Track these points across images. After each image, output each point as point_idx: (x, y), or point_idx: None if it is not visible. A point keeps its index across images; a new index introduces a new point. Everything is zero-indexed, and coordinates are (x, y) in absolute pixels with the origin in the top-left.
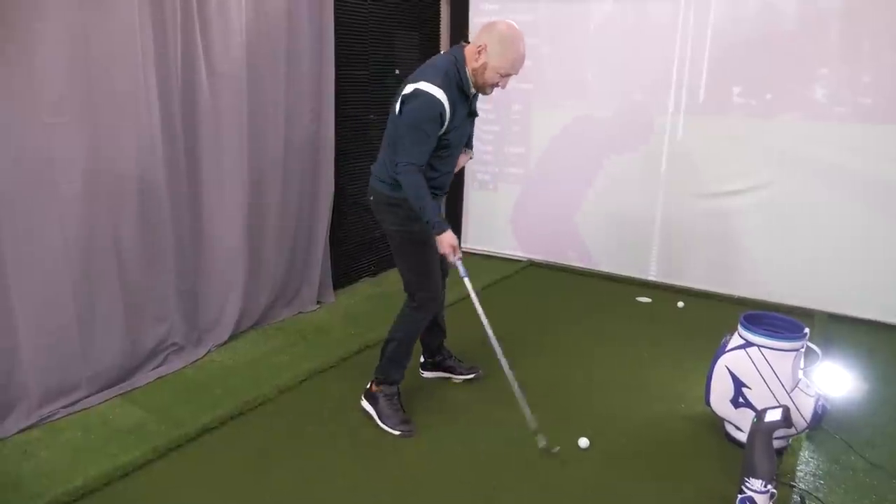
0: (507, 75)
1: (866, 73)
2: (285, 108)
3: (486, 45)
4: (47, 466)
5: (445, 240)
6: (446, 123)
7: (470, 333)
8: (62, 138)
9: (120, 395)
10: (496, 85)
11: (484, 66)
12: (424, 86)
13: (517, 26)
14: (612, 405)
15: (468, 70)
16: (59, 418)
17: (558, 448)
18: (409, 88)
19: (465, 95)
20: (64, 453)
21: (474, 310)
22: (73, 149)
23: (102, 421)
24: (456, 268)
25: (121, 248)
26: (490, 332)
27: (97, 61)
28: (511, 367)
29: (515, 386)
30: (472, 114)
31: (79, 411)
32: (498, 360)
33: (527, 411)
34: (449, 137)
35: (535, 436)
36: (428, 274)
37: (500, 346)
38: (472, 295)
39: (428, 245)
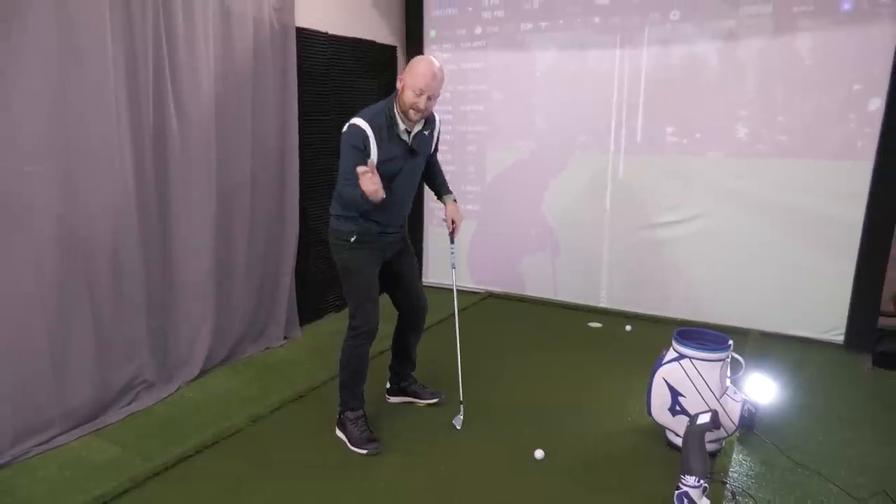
0: (421, 93)
1: (780, 114)
2: (251, 152)
3: (403, 75)
4: (26, 502)
5: (365, 184)
6: (373, 151)
7: (437, 359)
8: (39, 185)
9: (93, 432)
10: (415, 106)
11: (402, 90)
12: (353, 120)
13: (434, 59)
14: (566, 421)
15: (397, 107)
16: (32, 456)
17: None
18: (345, 126)
19: (395, 130)
20: (41, 488)
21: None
22: (49, 195)
23: (76, 457)
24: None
25: (94, 289)
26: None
27: (74, 113)
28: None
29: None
30: (413, 152)
31: (52, 449)
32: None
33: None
34: (382, 169)
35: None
36: (361, 303)
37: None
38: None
39: (361, 274)
